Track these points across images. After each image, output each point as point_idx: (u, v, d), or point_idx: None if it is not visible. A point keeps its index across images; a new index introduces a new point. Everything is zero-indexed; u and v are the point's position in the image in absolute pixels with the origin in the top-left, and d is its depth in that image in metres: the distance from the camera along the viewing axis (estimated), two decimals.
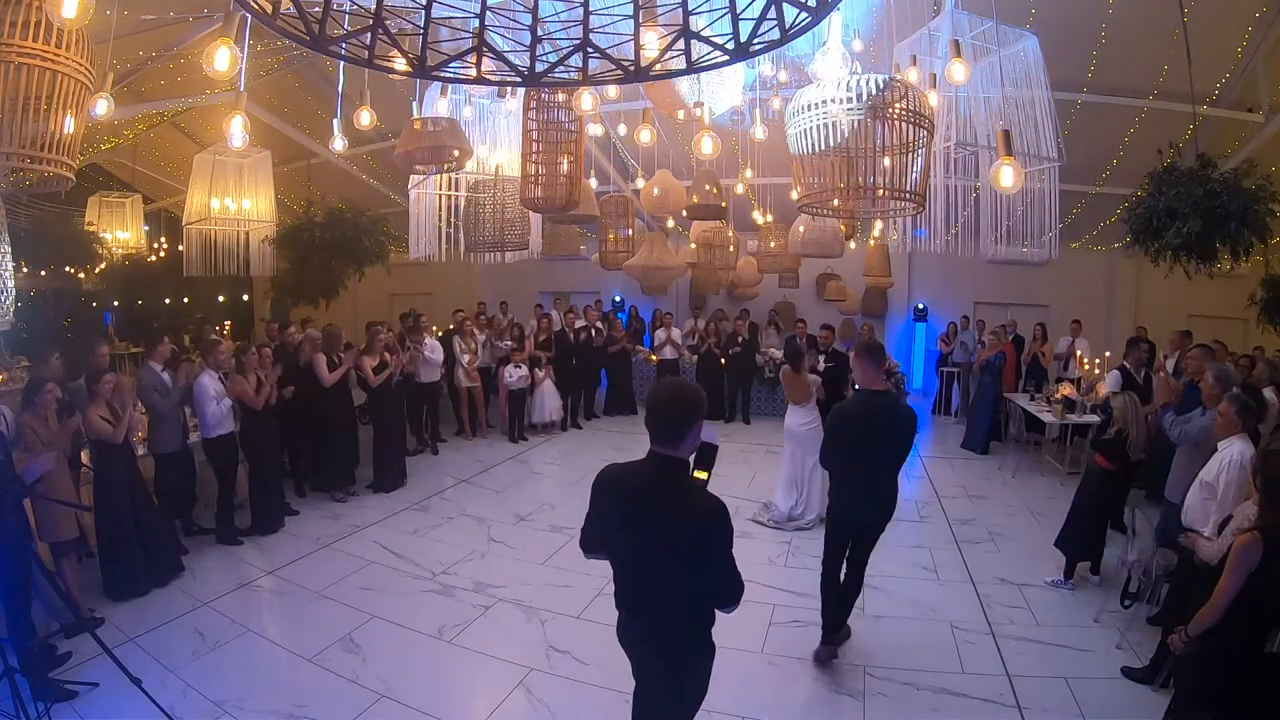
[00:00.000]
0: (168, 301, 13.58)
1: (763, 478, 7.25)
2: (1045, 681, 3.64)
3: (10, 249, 4.94)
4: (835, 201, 3.72)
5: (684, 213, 7.38)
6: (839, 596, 3.83)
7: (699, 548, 2.04)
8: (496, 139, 6.43)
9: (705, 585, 2.10)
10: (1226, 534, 3.06)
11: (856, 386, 3.79)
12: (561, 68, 1.89)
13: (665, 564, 2.08)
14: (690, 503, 2.03)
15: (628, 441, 8.86)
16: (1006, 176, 3.79)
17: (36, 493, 3.71)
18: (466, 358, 8.80)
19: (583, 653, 3.87)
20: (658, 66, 1.92)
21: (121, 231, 10.70)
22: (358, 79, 5.83)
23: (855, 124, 3.44)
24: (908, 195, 3.60)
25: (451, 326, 9.33)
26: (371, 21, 1.69)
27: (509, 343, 9.17)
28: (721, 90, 5.10)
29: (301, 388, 6.28)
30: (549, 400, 9.37)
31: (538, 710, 3.43)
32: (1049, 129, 5.39)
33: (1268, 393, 5.33)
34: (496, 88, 5.50)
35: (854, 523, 3.74)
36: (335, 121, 6.10)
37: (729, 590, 2.07)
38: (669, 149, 8.68)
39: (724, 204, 7.42)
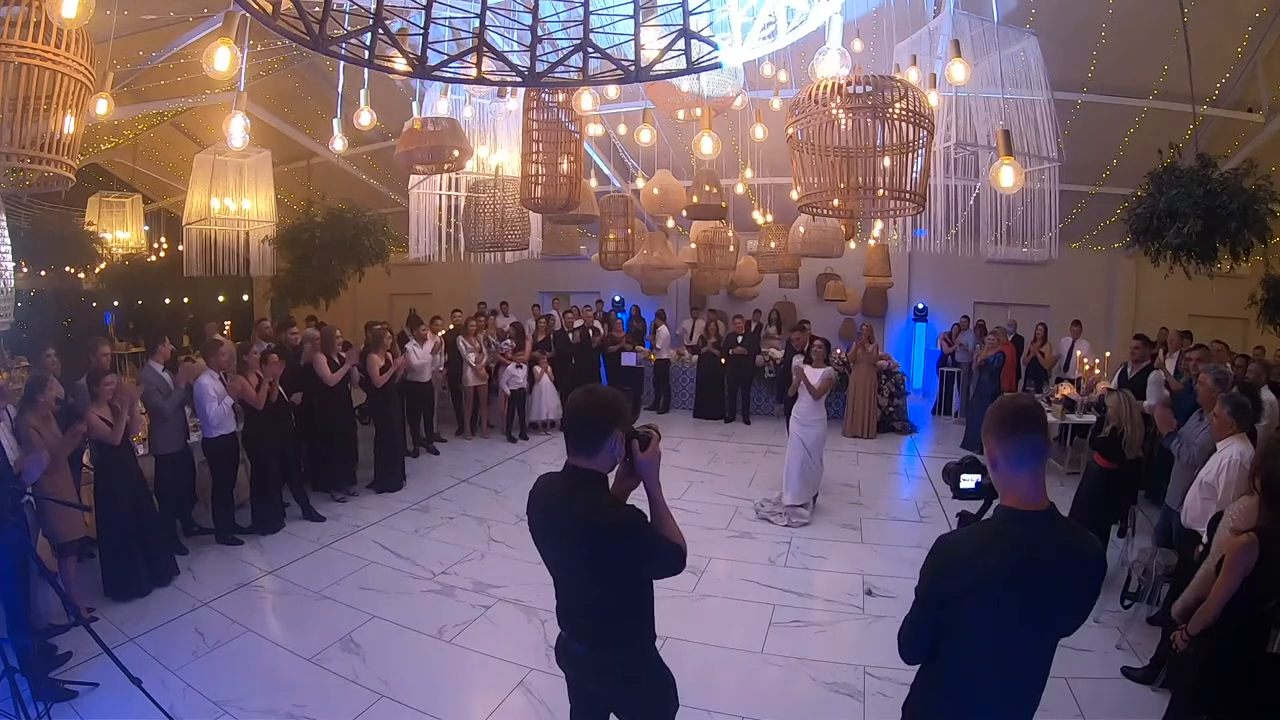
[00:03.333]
0: (168, 301, 13.60)
1: (763, 477, 7.25)
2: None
3: (10, 249, 4.94)
4: (835, 201, 3.71)
5: (684, 213, 7.38)
6: None
7: (617, 560, 1.91)
8: (496, 139, 6.43)
9: (633, 599, 1.99)
10: (1220, 530, 3.05)
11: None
12: (561, 68, 1.90)
13: (586, 579, 1.98)
14: (602, 517, 1.89)
15: None
16: (1006, 176, 3.79)
17: (36, 493, 3.71)
18: (473, 356, 8.82)
19: None
20: (658, 66, 1.92)
21: (121, 231, 10.70)
22: (358, 79, 5.84)
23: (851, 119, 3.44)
24: (908, 195, 3.60)
25: (452, 326, 9.34)
26: (371, 21, 1.70)
27: (509, 342, 9.18)
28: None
29: (301, 388, 6.28)
30: (547, 399, 9.39)
31: (538, 710, 3.43)
32: (1049, 129, 5.39)
33: (1265, 393, 5.33)
34: (496, 88, 5.50)
35: None
36: (335, 121, 6.11)
37: (669, 565, 1.96)
38: (669, 149, 8.68)
39: (724, 204, 7.42)
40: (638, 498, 2.01)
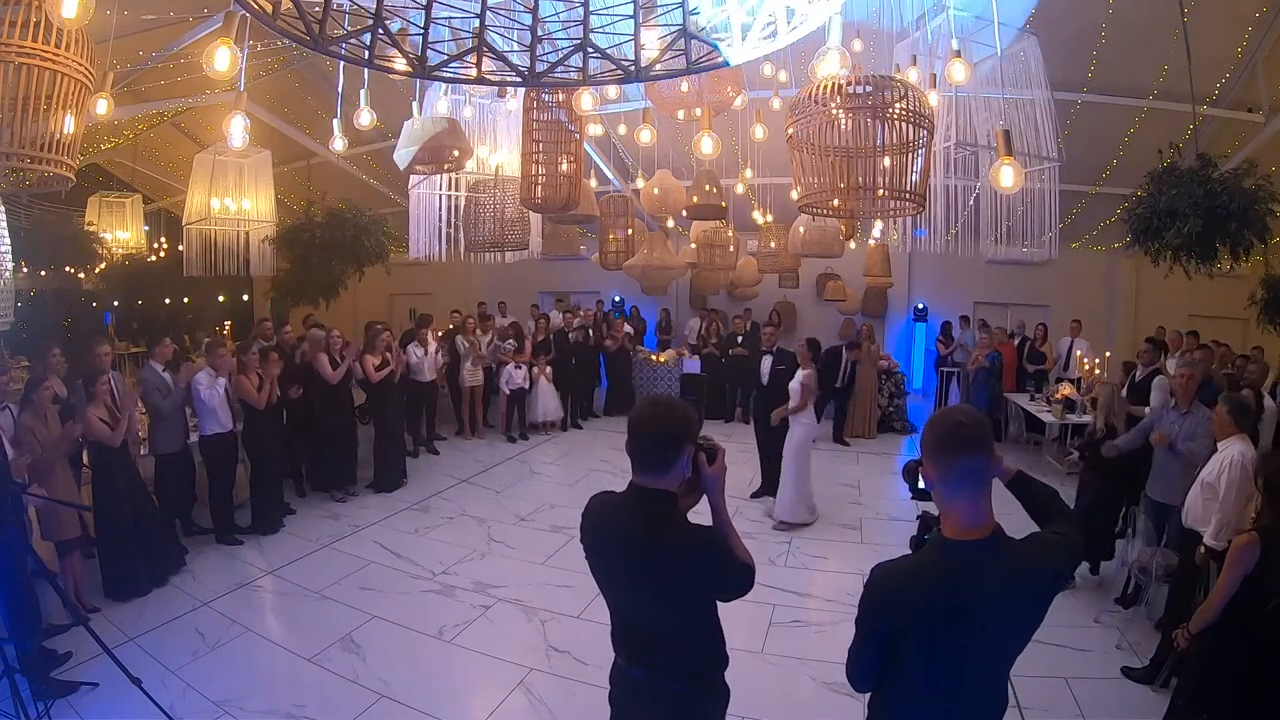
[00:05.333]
0: (168, 301, 13.61)
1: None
2: (1045, 681, 3.63)
3: (10, 249, 4.94)
4: (835, 201, 3.71)
5: (684, 213, 7.38)
6: None
7: (692, 585, 1.81)
8: (496, 139, 6.43)
9: (702, 621, 1.90)
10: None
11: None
12: (561, 68, 1.90)
13: (656, 603, 1.84)
14: (683, 541, 1.78)
15: None
16: (1006, 176, 3.78)
17: (35, 493, 3.71)
18: (472, 356, 8.83)
19: (583, 653, 3.87)
20: (658, 66, 1.92)
21: (121, 231, 10.70)
22: (358, 79, 5.83)
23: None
24: (908, 195, 3.60)
25: (451, 326, 9.35)
26: (371, 21, 1.70)
27: (511, 342, 9.19)
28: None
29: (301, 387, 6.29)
30: (546, 400, 9.40)
31: (538, 710, 3.43)
32: (1049, 129, 5.39)
33: (1266, 400, 5.33)
34: (496, 87, 5.50)
35: None
36: (335, 121, 6.10)
37: (743, 587, 1.87)
38: (669, 149, 8.67)
39: (724, 204, 7.41)
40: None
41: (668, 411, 1.81)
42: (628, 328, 10.86)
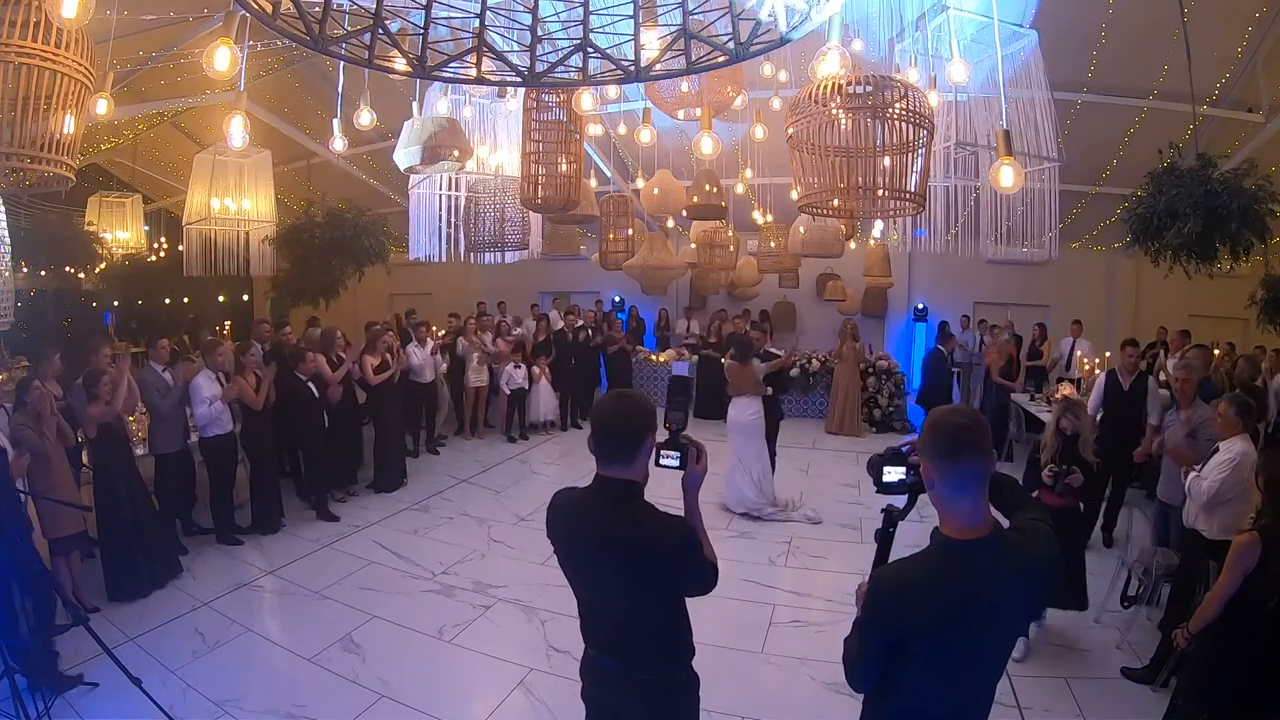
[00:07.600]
0: (168, 301, 13.61)
1: None
2: (1045, 681, 3.64)
3: (10, 249, 4.94)
4: (835, 201, 3.71)
5: (684, 213, 7.38)
6: None
7: (664, 576, 1.84)
8: (496, 139, 6.43)
9: (673, 614, 1.92)
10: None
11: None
12: (561, 68, 1.90)
13: (628, 596, 1.87)
14: (658, 532, 1.81)
15: None
16: (1006, 176, 3.78)
17: (37, 492, 3.71)
18: (476, 356, 8.83)
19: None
20: (658, 66, 1.92)
21: (121, 231, 10.69)
22: (358, 79, 5.83)
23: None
24: (908, 195, 3.60)
25: (450, 327, 9.35)
26: (371, 21, 1.70)
27: (519, 331, 9.21)
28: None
29: (300, 387, 6.27)
30: (545, 400, 9.41)
31: (538, 710, 3.43)
32: (1049, 129, 5.38)
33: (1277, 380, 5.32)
34: (496, 87, 5.50)
35: None
36: (335, 121, 6.10)
37: (707, 584, 1.90)
38: (669, 149, 8.67)
39: (724, 204, 7.42)
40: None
41: (632, 404, 1.88)
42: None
